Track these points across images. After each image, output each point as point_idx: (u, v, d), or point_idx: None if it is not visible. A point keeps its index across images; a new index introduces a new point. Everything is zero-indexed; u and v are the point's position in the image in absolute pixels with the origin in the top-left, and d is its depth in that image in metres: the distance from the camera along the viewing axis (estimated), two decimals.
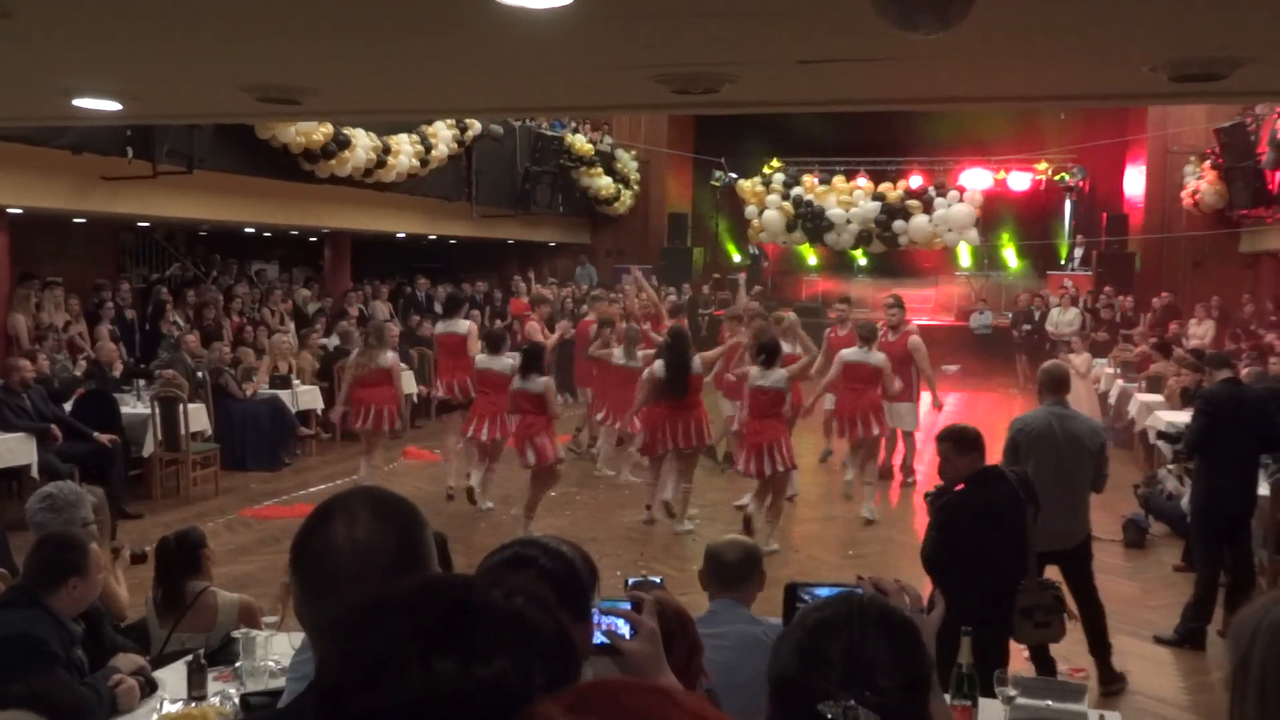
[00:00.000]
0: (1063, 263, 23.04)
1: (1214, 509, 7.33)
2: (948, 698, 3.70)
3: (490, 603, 1.18)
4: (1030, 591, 5.35)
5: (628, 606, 2.42)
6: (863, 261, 24.66)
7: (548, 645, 1.18)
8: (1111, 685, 6.38)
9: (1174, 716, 6.18)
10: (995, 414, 15.23)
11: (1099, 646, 6.47)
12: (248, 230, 18.90)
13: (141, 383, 11.68)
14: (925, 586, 5.42)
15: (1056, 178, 22.85)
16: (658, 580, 3.10)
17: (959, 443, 5.39)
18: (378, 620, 1.16)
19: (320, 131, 13.24)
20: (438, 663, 1.10)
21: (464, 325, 11.83)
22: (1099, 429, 6.73)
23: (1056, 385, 6.56)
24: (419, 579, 1.25)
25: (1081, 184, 23.06)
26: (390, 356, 11.18)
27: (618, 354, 11.79)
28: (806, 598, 2.41)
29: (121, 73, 4.49)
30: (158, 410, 10.96)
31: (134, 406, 11.23)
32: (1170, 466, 10.48)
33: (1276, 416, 7.36)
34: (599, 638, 2.38)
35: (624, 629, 2.33)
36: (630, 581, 2.59)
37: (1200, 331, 16.85)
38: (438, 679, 1.10)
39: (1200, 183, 19.26)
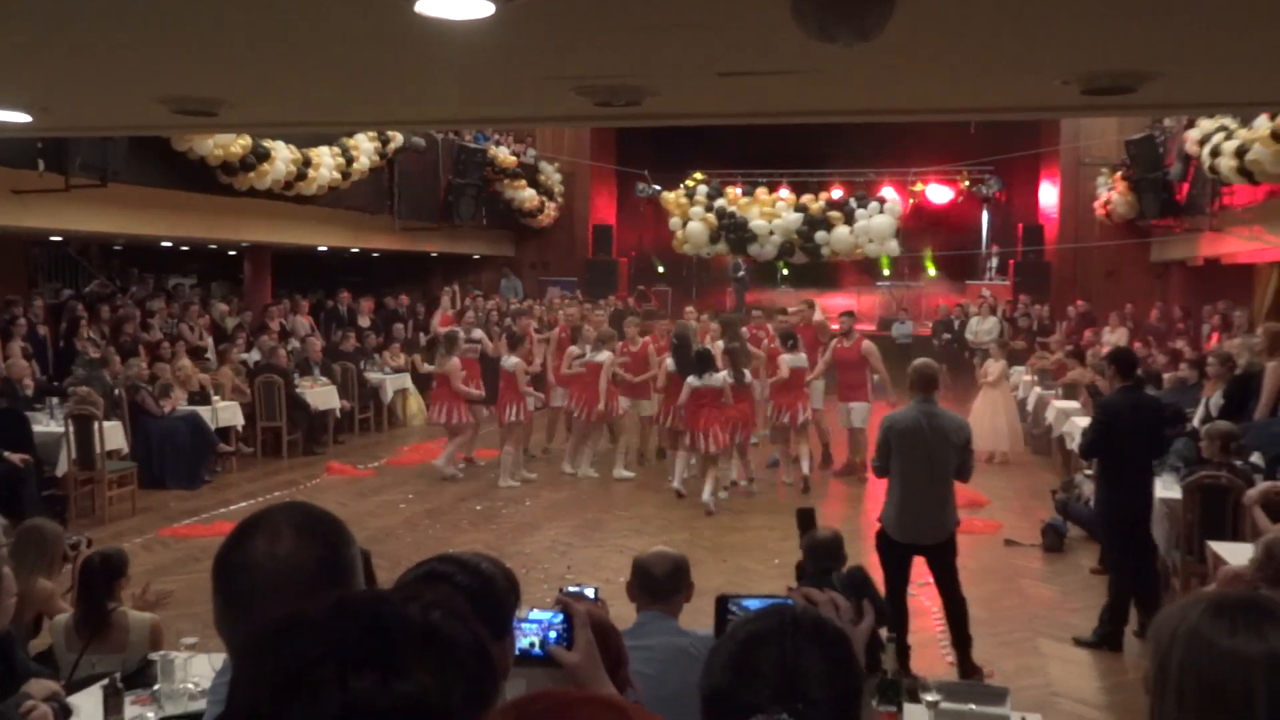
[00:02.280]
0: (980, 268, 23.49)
1: (1115, 514, 7.53)
2: (873, 704, 3.74)
3: (407, 617, 1.16)
4: None
5: (560, 618, 2.40)
6: (785, 272, 24.90)
7: (466, 658, 1.16)
8: (969, 678, 6.55)
9: (1093, 717, 6.29)
10: None
11: (961, 639, 6.73)
12: (165, 244, 18.56)
13: (55, 401, 11.39)
14: None
15: (973, 189, 23.26)
16: (590, 592, 3.09)
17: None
18: (291, 639, 1.13)
19: (239, 144, 13.05)
20: (355, 681, 1.08)
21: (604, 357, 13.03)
22: (965, 424, 6.96)
23: (925, 383, 6.81)
24: (334, 596, 1.22)
25: (998, 195, 23.50)
26: (452, 362, 12.99)
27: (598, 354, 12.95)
28: (736, 610, 2.41)
29: (31, 84, 4.38)
30: (72, 428, 10.70)
31: (46, 425, 10.96)
32: (1087, 471, 10.67)
33: (1166, 428, 7.55)
34: (537, 650, 2.36)
35: (553, 636, 2.32)
36: (563, 590, 2.58)
37: (1114, 339, 17.20)
38: (355, 697, 1.07)
39: (1112, 194, 19.71)
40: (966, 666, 6.69)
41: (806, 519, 5.59)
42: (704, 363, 11.41)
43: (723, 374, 11.42)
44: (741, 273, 24.18)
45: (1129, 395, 7.55)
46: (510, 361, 12.69)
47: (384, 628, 1.14)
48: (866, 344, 13.06)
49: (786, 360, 12.36)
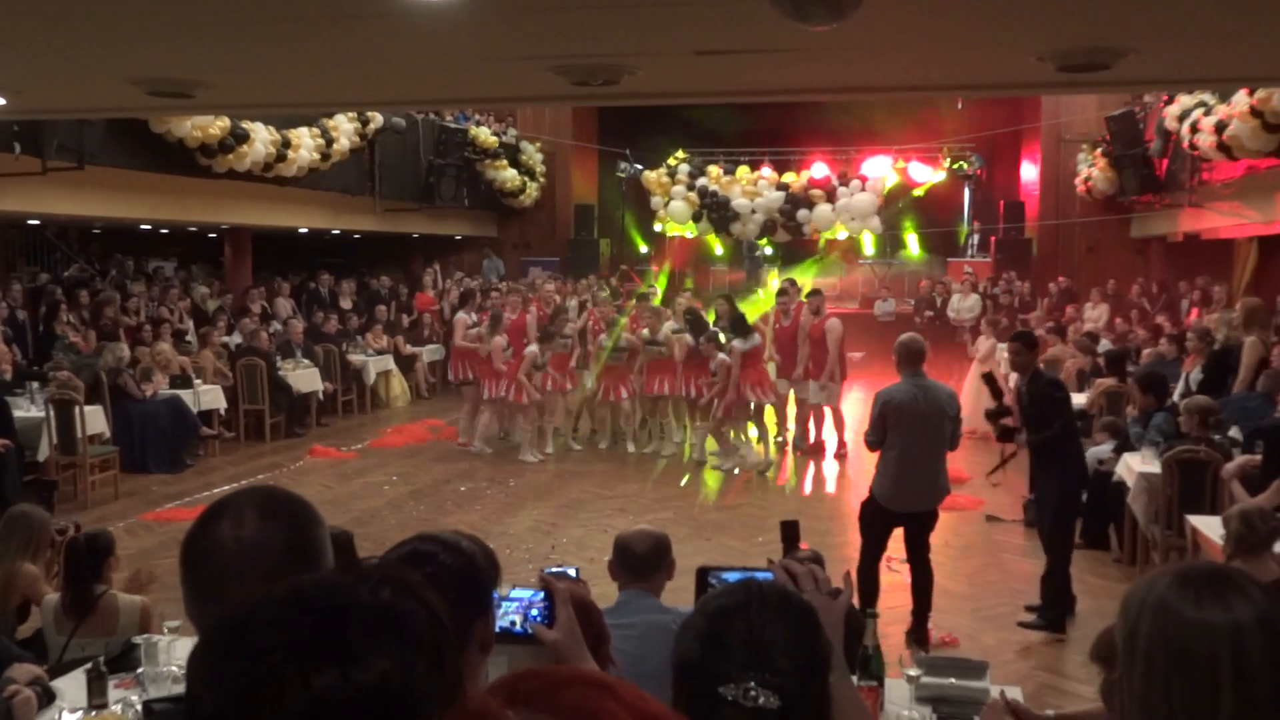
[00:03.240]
0: (961, 245, 23.54)
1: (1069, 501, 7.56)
2: (854, 678, 3.77)
3: (358, 603, 1.16)
4: None
5: (541, 596, 2.43)
6: (768, 250, 24.88)
7: (422, 633, 1.17)
8: (921, 645, 6.79)
9: (1073, 690, 6.34)
10: None
11: (922, 608, 6.95)
12: (144, 227, 18.46)
13: (35, 385, 11.34)
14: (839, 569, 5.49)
15: (955, 166, 23.26)
16: (572, 571, 3.11)
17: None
18: (246, 640, 1.13)
19: (217, 125, 12.98)
20: (317, 679, 1.08)
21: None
22: (955, 394, 7.20)
23: (914, 358, 6.95)
24: (283, 588, 1.21)
25: (979, 172, 23.52)
26: (497, 339, 13.18)
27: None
28: (715, 582, 2.44)
29: (4, 67, 4.36)
30: (53, 413, 10.66)
31: (27, 410, 10.91)
32: None
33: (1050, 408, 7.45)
34: (520, 628, 2.39)
35: (535, 614, 2.35)
36: (545, 570, 2.60)
37: (1095, 315, 17.29)
38: (319, 694, 1.08)
39: (1092, 170, 19.76)
40: (920, 633, 6.92)
41: (791, 533, 5.59)
42: (743, 326, 12.58)
43: (755, 335, 12.67)
44: (758, 251, 24.17)
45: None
46: (494, 341, 12.98)
47: (336, 617, 1.14)
48: (831, 321, 13.24)
49: (738, 345, 12.45)
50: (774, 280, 21.02)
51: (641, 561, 4.15)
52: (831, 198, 23.06)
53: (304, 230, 19.34)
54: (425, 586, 1.23)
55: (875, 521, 7.01)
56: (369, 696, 1.09)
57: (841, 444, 13.26)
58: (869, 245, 23.93)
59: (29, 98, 5.03)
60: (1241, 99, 11.75)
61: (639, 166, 24.25)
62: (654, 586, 4.11)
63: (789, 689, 1.62)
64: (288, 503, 1.72)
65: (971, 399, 14.07)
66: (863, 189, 22.92)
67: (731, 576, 2.35)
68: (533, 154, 23.40)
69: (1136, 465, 8.31)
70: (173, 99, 4.72)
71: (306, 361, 15.34)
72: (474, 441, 13.39)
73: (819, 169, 23.35)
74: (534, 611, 2.43)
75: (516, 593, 2.46)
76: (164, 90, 4.52)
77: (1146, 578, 1.75)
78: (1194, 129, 13.26)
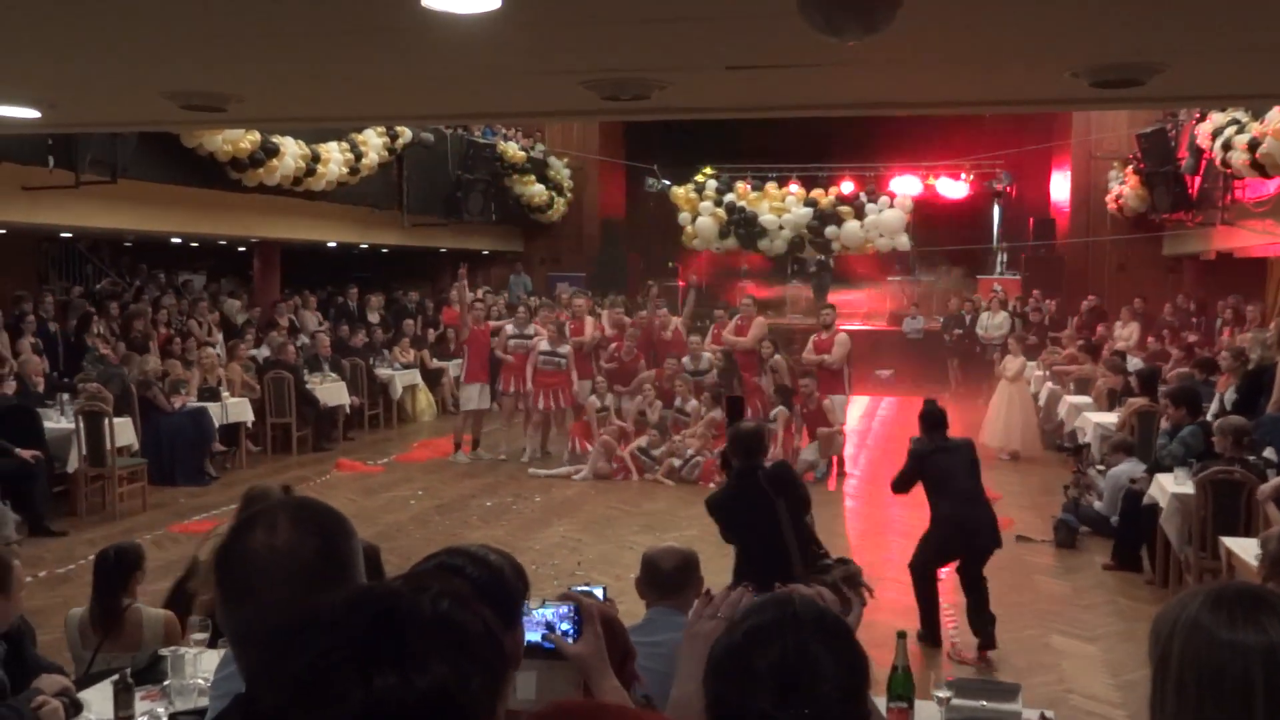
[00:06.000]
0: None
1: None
2: (883, 701, 3.74)
3: (418, 609, 1.17)
4: None
5: (566, 610, 2.42)
6: (796, 267, 24.82)
7: (479, 645, 1.18)
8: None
9: (1105, 713, 6.28)
10: None
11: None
12: (174, 240, 18.59)
13: (65, 397, 11.43)
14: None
15: (985, 183, 23.17)
16: (599, 592, 3.10)
17: None
18: (309, 639, 1.14)
19: (248, 139, 13.06)
20: (378, 679, 1.10)
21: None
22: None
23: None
24: (345, 593, 1.23)
25: (1009, 189, 23.41)
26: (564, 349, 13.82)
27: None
28: None
29: (39, 79, 4.40)
30: (82, 425, 10.74)
31: (57, 421, 10.99)
32: (1099, 467, 10.65)
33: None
34: (544, 641, 2.38)
35: (565, 628, 2.34)
36: (571, 589, 2.59)
37: (1126, 333, 17.16)
38: (379, 695, 1.09)
39: (1123, 187, 19.64)
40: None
41: (736, 407, 6.66)
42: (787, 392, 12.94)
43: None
44: (814, 268, 24.05)
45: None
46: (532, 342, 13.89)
47: (398, 622, 1.15)
48: (840, 335, 13.45)
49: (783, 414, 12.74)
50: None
51: (668, 579, 4.14)
52: (860, 214, 23.00)
53: (332, 244, 19.43)
54: (481, 604, 1.24)
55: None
56: (427, 701, 1.11)
57: (842, 467, 13.11)
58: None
59: (63, 111, 5.08)
60: (1276, 115, 11.65)
61: (667, 182, 24.26)
62: (681, 604, 4.09)
63: (829, 714, 1.58)
64: (320, 513, 1.74)
65: (1001, 418, 14.01)
66: (891, 205, 22.85)
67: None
68: (560, 169, 23.45)
69: (1170, 486, 8.22)
70: (205, 113, 4.76)
71: (333, 375, 15.41)
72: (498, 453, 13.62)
73: (847, 185, 23.29)
74: (564, 625, 2.42)
75: (545, 607, 2.46)
76: (197, 104, 4.55)
77: (1179, 598, 1.73)
78: (1226, 146, 13.15)
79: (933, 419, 7.36)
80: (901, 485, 7.43)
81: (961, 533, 7.13)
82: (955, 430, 12.95)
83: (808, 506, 6.01)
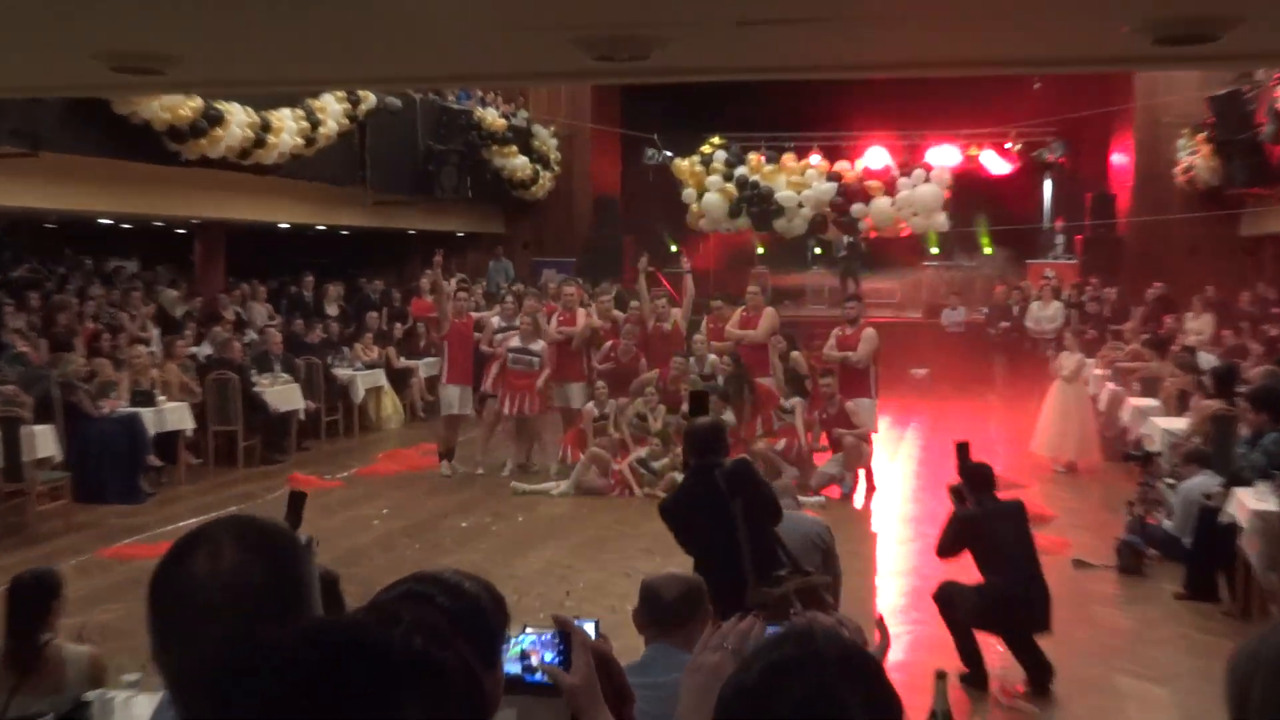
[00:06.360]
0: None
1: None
2: None
3: (388, 647, 1.16)
4: None
5: (549, 637, 2.42)
6: (818, 251, 24.82)
7: (456, 686, 1.17)
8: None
9: None
10: (971, 426, 15.42)
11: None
12: (103, 221, 18.60)
13: None
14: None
15: (1034, 154, 23.16)
16: (590, 627, 3.10)
17: None
18: (259, 681, 1.13)
19: (188, 106, 13.06)
20: None
21: None
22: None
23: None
24: (300, 627, 1.22)
25: (1062, 160, 23.41)
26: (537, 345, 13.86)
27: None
28: None
29: None
30: None
31: None
32: (1169, 480, 10.60)
33: None
34: (534, 676, 2.39)
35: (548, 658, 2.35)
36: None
37: (1198, 326, 17.15)
38: None
39: (1194, 158, 19.60)
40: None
41: (699, 402, 6.99)
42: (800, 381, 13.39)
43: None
44: (843, 251, 23.98)
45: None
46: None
47: (364, 661, 1.14)
48: (868, 330, 13.58)
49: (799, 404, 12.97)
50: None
51: (671, 611, 4.15)
52: (890, 190, 23.00)
53: (285, 226, 19.45)
54: (458, 637, 1.24)
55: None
56: None
57: (870, 482, 13.08)
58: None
59: None
60: None
61: (669, 154, 24.26)
62: (686, 640, 4.09)
63: None
64: (270, 535, 1.73)
65: (1055, 424, 14.01)
66: (926, 180, 22.84)
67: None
68: (546, 139, 23.45)
69: (1250, 502, 8.19)
70: (140, 75, 4.74)
71: (286, 376, 15.41)
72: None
73: (876, 157, 23.25)
74: (548, 654, 2.43)
75: (527, 634, 2.46)
76: (130, 65, 4.54)
77: (1261, 633, 1.73)
78: None
79: (980, 478, 7.38)
80: (948, 551, 7.44)
81: (1010, 613, 7.18)
82: (1003, 439, 13.04)
83: (775, 511, 5.99)
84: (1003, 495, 7.61)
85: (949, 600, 7.27)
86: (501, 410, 13.76)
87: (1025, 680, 7.16)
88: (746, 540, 5.63)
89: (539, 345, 13.73)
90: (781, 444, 12.65)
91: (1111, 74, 20.62)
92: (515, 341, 13.74)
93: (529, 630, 2.47)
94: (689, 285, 15.35)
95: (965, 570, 7.34)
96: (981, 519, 7.27)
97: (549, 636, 2.44)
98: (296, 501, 4.03)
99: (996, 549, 7.19)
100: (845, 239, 23.77)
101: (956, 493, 7.43)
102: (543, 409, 13.89)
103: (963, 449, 7.49)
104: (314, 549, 4.04)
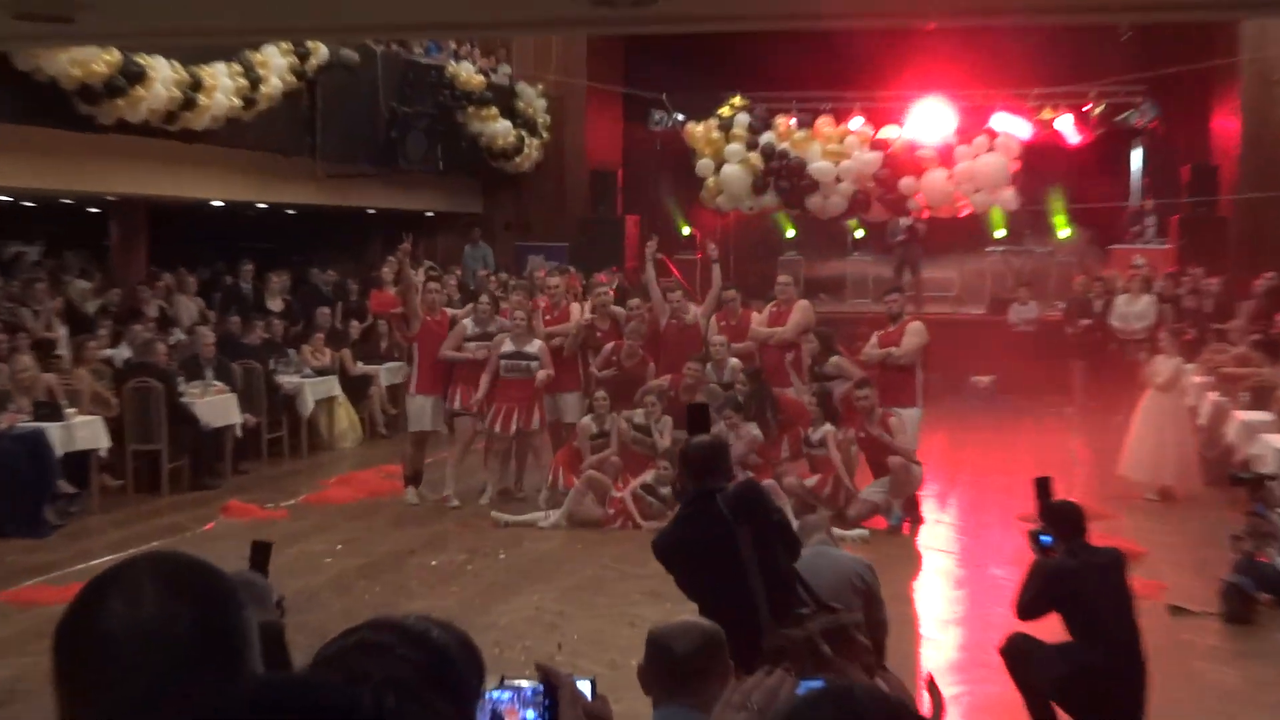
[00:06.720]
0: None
1: None
2: None
3: (356, 708, 1.16)
4: None
5: (530, 692, 2.42)
6: (859, 234, 24.79)
7: None
8: None
9: None
10: (1045, 445, 15.38)
11: None
12: (1, 198, 18.64)
13: None
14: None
15: (1119, 119, 23.15)
16: (585, 686, 3.11)
17: None
18: None
19: (103, 60, 13.08)
20: None
21: None
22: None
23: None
24: (243, 686, 1.22)
25: (1153, 126, 23.40)
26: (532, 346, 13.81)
27: None
28: None
29: None
30: None
31: None
32: None
33: None
34: None
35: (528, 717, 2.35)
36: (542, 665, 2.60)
37: None
38: None
39: None
40: None
41: (698, 417, 6.69)
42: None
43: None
44: (901, 235, 23.86)
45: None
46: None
47: None
48: (914, 324, 13.74)
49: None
50: None
51: (685, 666, 4.14)
52: (947, 162, 22.97)
53: (219, 203, 19.47)
54: (435, 694, 1.24)
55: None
56: None
57: (917, 511, 13.06)
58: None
59: None
60: None
61: (680, 117, 24.25)
62: (702, 701, 4.09)
63: None
64: (199, 573, 1.74)
65: (1148, 441, 13.96)
66: (990, 150, 22.82)
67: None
68: (534, 100, 23.46)
69: None
70: (44, 24, 4.77)
71: (220, 384, 15.39)
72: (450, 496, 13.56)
73: (930, 122, 23.15)
74: (530, 712, 2.42)
75: (504, 688, 2.46)
76: (35, 12, 4.56)
77: None
78: None
79: (1070, 522, 7.21)
80: (1031, 612, 7.27)
81: (1100, 695, 7.05)
82: (1084, 460, 13.04)
83: (792, 541, 5.98)
84: (1093, 536, 7.44)
85: (1022, 657, 7.18)
86: (494, 427, 13.61)
87: None
88: (758, 576, 5.62)
89: (535, 346, 13.59)
90: (813, 480, 12.61)
91: (1213, 23, 20.61)
92: (508, 345, 13.54)
93: (507, 683, 2.46)
94: (716, 276, 15.00)
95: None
96: (1075, 574, 7.08)
97: (529, 691, 2.44)
98: (260, 553, 4.05)
99: (1096, 615, 7.03)
100: (901, 221, 23.64)
101: (1036, 539, 7.27)
102: (544, 421, 13.84)
103: (1043, 485, 7.34)
104: (283, 606, 4.08)
